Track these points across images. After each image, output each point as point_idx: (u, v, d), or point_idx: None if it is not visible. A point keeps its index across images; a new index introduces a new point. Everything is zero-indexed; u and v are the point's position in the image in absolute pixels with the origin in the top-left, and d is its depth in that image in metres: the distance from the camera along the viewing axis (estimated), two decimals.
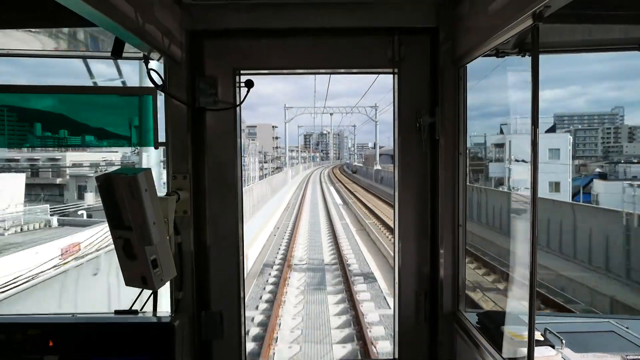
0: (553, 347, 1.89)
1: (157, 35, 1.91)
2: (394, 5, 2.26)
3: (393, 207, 2.52)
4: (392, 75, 2.39)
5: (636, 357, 2.03)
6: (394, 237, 2.47)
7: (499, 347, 1.90)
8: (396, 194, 2.42)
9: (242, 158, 2.45)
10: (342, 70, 2.47)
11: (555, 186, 31.57)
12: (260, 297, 12.97)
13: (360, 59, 2.39)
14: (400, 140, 2.37)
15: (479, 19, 1.98)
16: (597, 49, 2.30)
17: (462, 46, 2.17)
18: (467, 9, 2.10)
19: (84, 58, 2.41)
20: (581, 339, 2.14)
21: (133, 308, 2.13)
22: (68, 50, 2.36)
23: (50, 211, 25.45)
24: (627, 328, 2.25)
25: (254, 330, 10.34)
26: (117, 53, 1.83)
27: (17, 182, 27.74)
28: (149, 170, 1.81)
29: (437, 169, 2.31)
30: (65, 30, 2.13)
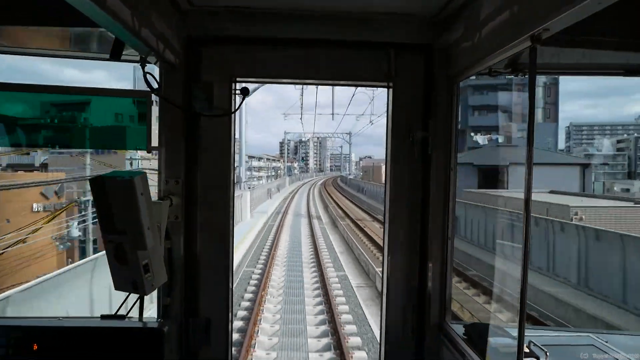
0: (538, 359, 1.93)
1: (155, 39, 1.90)
2: (389, 21, 2.31)
3: (383, 220, 2.54)
4: (386, 89, 2.43)
5: None
6: (383, 250, 2.49)
7: (485, 359, 1.94)
8: (387, 207, 2.44)
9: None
10: (339, 82, 2.49)
11: None
12: None
13: (355, 72, 2.42)
14: (392, 153, 2.40)
15: (473, 38, 2.04)
16: (586, 73, 2.39)
17: (456, 64, 2.22)
18: (462, 29, 2.15)
19: (82, 59, 2.38)
20: (563, 352, 2.20)
21: (119, 313, 2.10)
22: (64, 50, 2.33)
23: None
24: (606, 342, 2.32)
25: None
26: (116, 55, 1.81)
27: None
28: (144, 173, 1.79)
29: (428, 182, 2.35)
30: (63, 29, 2.11)
